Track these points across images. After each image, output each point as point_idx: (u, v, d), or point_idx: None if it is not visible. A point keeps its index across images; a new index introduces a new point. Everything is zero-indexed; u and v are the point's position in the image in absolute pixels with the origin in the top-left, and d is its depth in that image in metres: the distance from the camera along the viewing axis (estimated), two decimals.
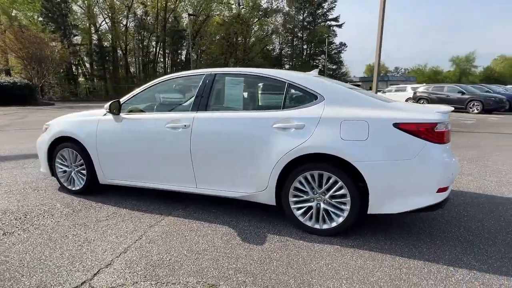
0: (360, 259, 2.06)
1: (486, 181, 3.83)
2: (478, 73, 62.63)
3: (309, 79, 2.49)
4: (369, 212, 2.23)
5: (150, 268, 1.95)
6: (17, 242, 2.28)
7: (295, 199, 2.42)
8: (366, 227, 2.49)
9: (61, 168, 3.33)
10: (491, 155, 5.32)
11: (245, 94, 2.74)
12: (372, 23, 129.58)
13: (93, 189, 3.30)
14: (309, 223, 2.40)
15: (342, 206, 2.29)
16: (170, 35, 34.12)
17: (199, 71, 2.88)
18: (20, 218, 2.69)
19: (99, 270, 1.93)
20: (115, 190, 3.39)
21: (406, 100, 16.30)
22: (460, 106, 14.40)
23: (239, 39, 40.14)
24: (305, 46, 48.36)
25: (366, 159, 2.13)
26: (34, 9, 27.27)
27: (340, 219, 2.30)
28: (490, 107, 13.93)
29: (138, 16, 33.31)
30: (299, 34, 46.92)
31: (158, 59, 37.17)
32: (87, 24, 32.03)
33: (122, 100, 2.98)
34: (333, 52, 46.42)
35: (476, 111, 14.12)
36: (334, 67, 47.05)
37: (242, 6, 38.81)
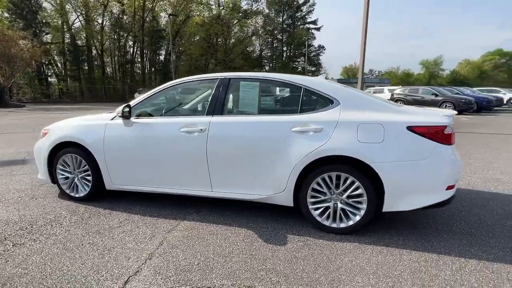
0: (379, 254, 2.19)
1: (473, 178, 4.14)
2: (445, 76, 66.74)
3: (324, 84, 2.60)
4: (384, 210, 2.37)
5: (181, 273, 1.95)
6: (32, 253, 2.18)
7: (312, 199, 2.51)
8: (378, 225, 2.63)
9: (63, 175, 3.20)
10: (472, 154, 5.74)
11: (260, 99, 2.79)
12: (348, 27, 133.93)
13: (98, 195, 3.21)
14: (326, 223, 2.50)
15: (359, 205, 2.41)
16: (148, 35, 33.30)
17: (212, 75, 2.90)
18: (26, 228, 2.57)
19: (128, 278, 1.90)
20: (120, 197, 3.31)
21: None
22: (434, 107, 15.30)
23: (219, 40, 39.95)
24: (284, 48, 49.07)
25: (382, 160, 2.27)
26: (1, 4, 25.57)
27: (357, 218, 2.42)
28: (461, 108, 14.91)
29: (115, 14, 32.18)
30: (278, 36, 47.56)
31: (136, 59, 36.13)
32: (59, 22, 30.46)
33: (132, 103, 2.93)
34: (312, 55, 47.49)
35: None
36: (313, 69, 48.12)
37: (222, 7, 38.67)
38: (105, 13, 31.71)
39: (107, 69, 35.25)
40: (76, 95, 30.06)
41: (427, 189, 2.31)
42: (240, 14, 40.36)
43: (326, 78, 3.09)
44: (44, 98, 27.40)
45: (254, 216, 2.84)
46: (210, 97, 2.77)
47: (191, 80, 2.98)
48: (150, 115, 3.00)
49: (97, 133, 2.98)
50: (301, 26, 47.66)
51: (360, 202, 2.41)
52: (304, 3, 45.66)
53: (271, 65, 49.44)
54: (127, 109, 2.82)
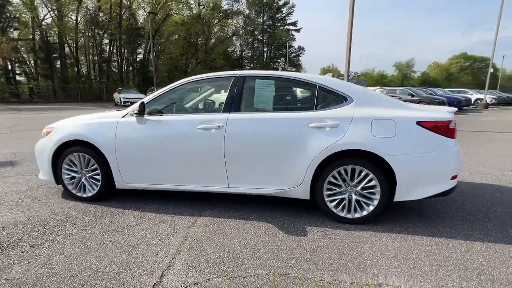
0: (395, 241, 2.35)
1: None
2: (416, 78, 70.27)
3: (338, 82, 2.74)
4: (395, 200, 2.55)
5: (214, 266, 2.00)
6: (53, 253, 2.13)
7: (328, 192, 2.64)
8: (387, 215, 2.81)
9: (69, 174, 3.11)
10: None
11: (275, 96, 2.87)
12: (325, 30, 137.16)
13: (106, 195, 3.15)
14: (342, 214, 2.63)
15: (372, 196, 2.57)
16: (126, 33, 32.26)
17: (226, 73, 2.95)
18: (38, 230, 2.49)
19: (163, 272, 1.92)
20: (128, 195, 3.27)
21: None
22: None
23: (199, 40, 39.53)
24: (265, 49, 49.44)
25: (394, 153, 2.44)
26: None
27: (371, 208, 2.57)
28: None
29: (90, 11, 30.85)
30: (259, 37, 47.85)
31: (113, 58, 34.85)
32: (29, 17, 28.71)
33: (145, 101, 2.91)
34: (292, 55, 48.21)
35: None
36: (293, 69, 48.84)
37: (202, 7, 38.27)
38: (80, 9, 30.31)
39: (82, 68, 33.71)
40: (48, 94, 28.44)
41: (434, 179, 2.51)
42: (221, 14, 40.17)
43: (332, 77, 3.23)
44: (13, 97, 25.71)
45: (269, 211, 2.92)
46: (226, 95, 2.81)
47: (205, 77, 3.01)
48: (160, 112, 2.99)
49: (108, 131, 2.92)
50: (281, 27, 48.26)
51: (373, 193, 2.56)
52: (284, 5, 46.30)
53: (251, 65, 49.61)
54: (141, 107, 2.80)
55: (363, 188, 2.58)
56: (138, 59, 36.63)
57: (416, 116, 2.49)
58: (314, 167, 2.56)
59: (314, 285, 1.80)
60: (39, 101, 25.78)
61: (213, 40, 41.63)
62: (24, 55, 29.90)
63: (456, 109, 2.75)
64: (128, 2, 32.70)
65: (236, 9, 41.91)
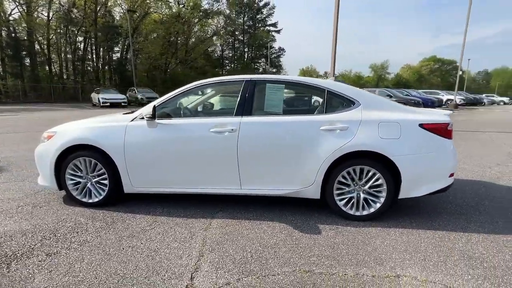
0: (402, 235, 2.53)
1: None
2: (390, 79, 73.42)
3: (345, 87, 2.88)
4: (399, 197, 2.73)
5: (241, 266, 2.06)
6: (73, 261, 2.09)
7: (338, 191, 2.78)
8: (389, 212, 2.99)
9: (73, 180, 3.03)
10: None
11: (285, 100, 2.97)
12: (303, 32, 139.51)
13: (112, 200, 3.09)
14: (351, 211, 2.78)
15: (379, 194, 2.74)
16: (103, 30, 31.07)
17: (237, 77, 3.00)
18: (50, 238, 2.42)
19: (192, 275, 1.95)
20: (135, 200, 3.24)
21: None
22: None
23: (179, 39, 38.88)
24: (246, 49, 49.53)
25: (400, 153, 2.61)
26: None
27: (378, 205, 2.74)
28: None
29: (63, 6, 29.38)
30: (240, 37, 47.88)
31: (87, 56, 33.41)
32: None
33: (156, 104, 2.89)
34: (273, 56, 48.67)
35: None
36: (274, 70, 49.34)
37: (182, 5, 37.66)
38: (52, 5, 28.78)
39: (55, 67, 32.02)
40: (18, 94, 26.73)
41: (435, 177, 2.72)
42: (201, 13, 39.74)
43: (335, 81, 3.38)
44: None
45: (278, 211, 3.01)
46: (238, 98, 2.87)
47: (215, 81, 3.04)
48: (169, 116, 2.99)
49: (117, 135, 2.88)
50: (261, 28, 48.58)
51: (380, 192, 2.73)
52: (264, 6, 46.66)
53: (232, 65, 49.55)
54: (153, 111, 2.79)
55: (370, 187, 2.73)
56: (115, 58, 35.36)
57: (418, 118, 2.68)
58: (326, 168, 2.69)
59: (340, 280, 1.91)
60: (8, 102, 24.24)
61: (193, 39, 41.11)
62: None
63: (451, 111, 2.99)
64: None
65: (216, 9, 41.70)
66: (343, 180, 2.75)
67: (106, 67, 35.92)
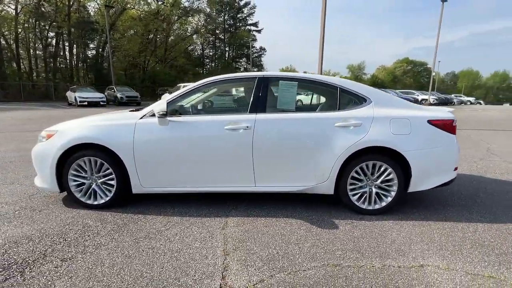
0: (415, 227, 2.63)
1: None
2: (367, 79, 76.03)
3: (356, 84, 2.95)
4: (409, 190, 2.84)
5: (270, 263, 2.05)
6: (93, 265, 1.98)
7: (351, 186, 2.84)
8: (397, 206, 3.10)
9: (77, 181, 2.87)
10: None
11: (298, 97, 2.98)
12: (281, 32, 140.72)
13: (118, 201, 2.96)
14: (363, 206, 2.85)
15: (390, 189, 2.83)
16: (77, 26, 29.60)
17: (250, 74, 2.98)
18: (60, 242, 2.27)
19: (223, 274, 1.92)
20: (140, 201, 3.13)
21: None
22: None
23: (158, 37, 37.91)
24: (227, 48, 49.22)
25: (410, 149, 2.72)
26: None
27: (389, 199, 2.83)
28: None
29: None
30: (220, 36, 47.48)
31: (60, 53, 31.70)
32: None
33: (167, 101, 2.80)
34: (254, 56, 48.75)
35: None
36: (255, 69, 49.42)
37: (161, 2, 36.71)
38: None
39: (24, 64, 30.08)
40: None
41: (441, 171, 2.85)
42: (181, 11, 38.95)
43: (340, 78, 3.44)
44: None
45: (292, 208, 3.03)
46: (252, 95, 2.85)
47: (227, 78, 3.00)
48: (178, 113, 2.91)
49: (126, 133, 2.76)
50: (242, 27, 48.47)
51: (391, 186, 2.82)
52: (245, 5, 46.58)
53: (213, 64, 49.08)
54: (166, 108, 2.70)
55: (382, 182, 2.82)
56: (90, 55, 33.83)
57: (426, 115, 2.80)
58: (340, 164, 2.74)
59: (369, 272, 1.96)
60: None
61: (172, 37, 40.21)
62: None
63: (453, 109, 3.15)
64: None
65: (196, 7, 41.02)
66: (356, 176, 2.82)
67: (81, 65, 34.32)
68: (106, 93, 21.41)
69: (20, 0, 26.96)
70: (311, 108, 2.99)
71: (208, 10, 43.25)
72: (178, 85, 15.10)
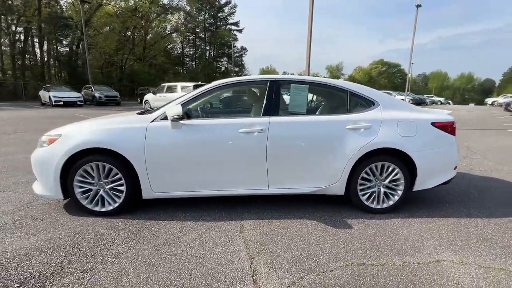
0: (423, 224, 2.77)
1: None
2: (344, 80, 78.21)
3: (364, 88, 3.04)
4: (414, 189, 2.98)
5: (296, 265, 2.08)
6: (117, 275, 1.92)
7: (361, 187, 2.93)
8: (401, 204, 3.24)
9: (83, 187, 2.74)
10: None
11: (309, 100, 3.03)
12: (261, 32, 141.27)
13: (127, 208, 2.87)
14: (372, 205, 2.96)
15: (397, 188, 2.95)
16: (49, 21, 27.99)
17: (261, 77, 2.99)
18: (75, 253, 2.17)
19: (253, 278, 1.92)
20: (145, 206, 3.05)
21: None
22: None
23: (136, 34, 36.77)
24: (207, 47, 48.66)
25: (416, 150, 2.85)
26: None
27: (396, 198, 2.96)
28: None
29: None
30: (201, 35, 46.87)
31: (29, 49, 29.83)
32: None
33: (181, 103, 2.74)
34: (235, 56, 48.57)
35: None
36: (236, 69, 49.29)
37: None
38: None
39: None
40: None
41: (443, 170, 3.02)
42: (158, 8, 37.97)
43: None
44: None
45: (303, 209, 3.07)
46: (265, 99, 2.86)
47: (238, 81, 2.99)
48: (189, 116, 2.87)
49: (136, 137, 2.68)
50: (223, 27, 48.14)
51: (397, 185, 2.95)
52: (225, 4, 46.28)
53: (194, 63, 48.37)
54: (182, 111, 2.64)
55: (390, 181, 2.94)
56: (64, 52, 32.13)
57: (430, 118, 2.95)
58: (351, 165, 2.82)
59: (392, 269, 2.04)
60: None
61: (150, 35, 39.12)
62: None
63: (451, 111, 3.34)
64: None
65: (176, 4, 40.19)
66: (366, 176, 2.92)
67: (52, 62, 32.52)
68: (83, 93, 20.44)
69: None
70: (308, 110, 3.04)
71: (188, 8, 42.57)
72: (162, 84, 14.74)
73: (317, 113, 3.01)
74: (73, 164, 2.69)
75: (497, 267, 2.09)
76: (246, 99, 3.41)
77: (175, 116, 2.60)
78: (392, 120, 2.87)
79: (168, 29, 41.05)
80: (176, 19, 40.76)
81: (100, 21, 32.33)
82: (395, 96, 28.39)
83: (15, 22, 27.57)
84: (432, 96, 48.01)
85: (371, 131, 2.82)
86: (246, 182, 2.85)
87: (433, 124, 2.93)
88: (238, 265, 2.06)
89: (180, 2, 40.25)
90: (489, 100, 37.72)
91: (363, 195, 2.95)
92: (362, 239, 2.47)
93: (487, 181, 4.18)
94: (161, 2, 37.52)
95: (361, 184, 2.93)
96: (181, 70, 46.05)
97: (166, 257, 2.15)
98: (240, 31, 49.06)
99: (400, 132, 2.85)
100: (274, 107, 2.85)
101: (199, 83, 14.08)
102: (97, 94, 19.81)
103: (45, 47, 30.61)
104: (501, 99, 32.87)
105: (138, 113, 3.02)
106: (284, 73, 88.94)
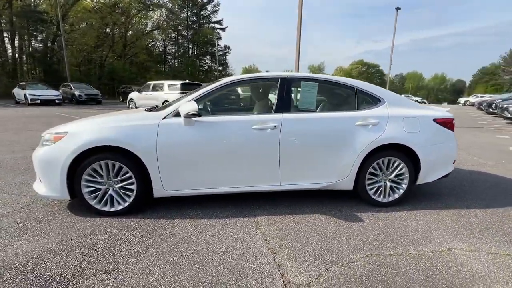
0: (427, 216, 2.90)
1: None
2: None
3: (371, 86, 3.14)
4: (417, 183, 3.12)
5: (319, 257, 2.12)
6: (142, 275, 1.88)
7: (369, 181, 3.03)
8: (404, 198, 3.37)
9: (91, 187, 2.65)
10: None
11: (319, 97, 3.08)
12: (243, 31, 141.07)
13: (137, 207, 2.80)
14: (379, 199, 3.06)
15: (402, 182, 3.07)
16: (22, 15, 26.48)
17: (272, 75, 3.00)
18: (92, 254, 2.10)
19: (280, 272, 1.95)
20: (155, 205, 2.99)
21: None
22: None
23: (115, 31, 35.59)
24: (190, 46, 47.95)
25: (420, 145, 2.99)
26: None
27: (401, 191, 3.08)
28: None
29: None
30: (183, 33, 46.09)
31: None
32: None
33: (194, 99, 2.70)
34: (219, 54, 48.18)
35: None
36: (220, 68, 48.93)
37: None
38: None
39: None
40: None
41: (444, 164, 3.18)
42: (141, 5, 36.97)
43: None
44: None
45: (311, 204, 3.13)
46: (276, 96, 2.88)
47: (249, 78, 2.99)
48: (199, 113, 2.83)
49: (148, 134, 2.62)
50: (206, 25, 47.59)
51: (402, 179, 3.07)
52: (208, 2, 45.74)
53: (176, 61, 47.51)
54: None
55: (395, 176, 3.05)
56: (38, 48, 30.51)
57: (432, 114, 3.10)
58: (360, 160, 2.91)
59: (410, 258, 2.13)
60: None
61: (131, 32, 38.00)
62: None
63: (448, 108, 3.51)
64: None
65: (157, 1, 39.26)
66: (373, 171, 3.01)
67: (25, 58, 30.80)
68: (61, 91, 19.51)
69: None
70: (317, 107, 3.11)
71: (170, 5, 41.72)
72: (147, 83, 14.37)
73: (326, 110, 3.07)
74: (80, 163, 2.59)
75: (503, 253, 2.24)
76: (246, 96, 3.42)
77: (190, 113, 2.57)
78: (398, 116, 2.99)
79: (149, 26, 40.09)
80: (158, 16, 39.88)
81: (76, 16, 31.03)
82: None
83: None
84: (409, 96, 49.97)
85: (379, 127, 2.92)
86: (259, 179, 2.86)
87: (435, 120, 3.07)
88: (262, 260, 2.07)
89: None
90: (462, 100, 39.82)
91: (371, 189, 3.05)
92: (375, 231, 2.55)
93: (476, 175, 4.43)
94: None
95: (369, 179, 3.03)
96: (163, 69, 45.07)
97: (188, 255, 2.12)
98: (223, 29, 48.71)
99: (405, 128, 2.97)
100: (286, 104, 2.88)
101: (187, 81, 13.86)
102: (76, 93, 18.99)
103: (16, 42, 28.96)
104: (472, 99, 34.81)
105: (146, 110, 2.95)
106: (267, 72, 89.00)
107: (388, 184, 3.07)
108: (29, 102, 16.62)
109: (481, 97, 32.82)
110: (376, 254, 2.18)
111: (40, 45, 30.73)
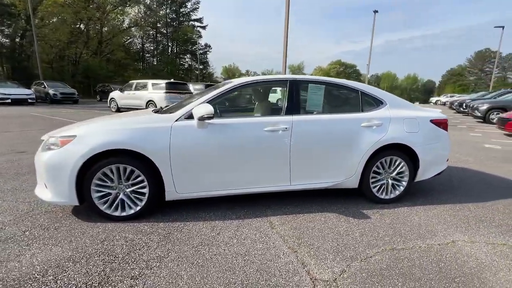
0: (427, 211, 3.09)
1: None
2: None
3: (374, 88, 3.28)
4: (415, 180, 3.31)
5: (338, 254, 2.21)
6: (172, 280, 1.87)
7: (373, 180, 3.18)
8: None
9: (101, 192, 2.58)
10: None
11: (325, 99, 3.18)
12: (224, 29, 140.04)
13: (149, 210, 2.76)
14: (382, 196, 3.22)
15: (402, 179, 3.25)
16: None
17: (281, 77, 3.06)
18: (114, 261, 2.06)
19: (306, 269, 2.01)
20: (166, 208, 2.97)
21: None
22: None
23: (90, 26, 34.09)
24: (169, 44, 46.92)
25: (419, 144, 3.17)
26: None
27: (401, 188, 3.26)
28: None
29: None
30: (162, 30, 45.01)
31: None
32: None
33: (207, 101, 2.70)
34: (199, 53, 47.54)
35: None
36: (201, 67, 48.31)
37: None
38: None
39: None
40: None
41: (439, 162, 3.40)
42: (117, 0, 35.65)
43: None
44: None
45: (319, 203, 3.23)
46: (286, 98, 2.95)
47: (259, 80, 3.03)
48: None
49: (161, 137, 2.59)
50: (186, 23, 46.77)
51: (403, 177, 3.25)
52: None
53: (155, 59, 46.32)
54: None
55: (396, 174, 3.22)
56: (5, 44, 28.56)
57: (429, 115, 3.30)
58: (366, 160, 3.05)
59: (421, 251, 2.28)
60: None
61: (106, 28, 36.55)
62: None
63: (440, 110, 3.75)
64: None
65: None
66: (376, 170, 3.16)
67: None
68: (33, 89, 18.40)
69: None
70: (323, 108, 3.21)
71: (148, 1, 40.59)
72: (130, 82, 13.92)
73: (332, 112, 3.18)
74: (90, 167, 2.51)
75: (500, 243, 2.45)
76: (246, 97, 3.47)
77: (205, 115, 2.56)
78: (399, 118, 3.15)
79: (126, 22, 38.75)
80: (135, 12, 38.63)
81: (47, 10, 29.35)
82: None
83: None
84: None
85: (382, 128, 3.07)
86: (271, 179, 2.91)
87: (431, 121, 3.28)
88: (286, 259, 2.13)
89: None
90: (433, 99, 42.09)
91: (374, 187, 3.20)
92: (383, 227, 2.69)
93: (462, 172, 4.75)
94: None
95: (372, 177, 3.17)
96: (141, 67, 43.81)
97: (212, 257, 2.14)
98: (203, 27, 48.12)
99: (406, 128, 3.14)
100: (295, 106, 2.95)
101: (172, 80, 13.58)
102: (51, 91, 18.00)
103: None
104: (443, 98, 36.91)
105: (154, 111, 2.91)
106: (247, 71, 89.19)
107: (390, 181, 3.23)
108: None
109: (451, 96, 34.89)
110: (390, 249, 2.31)
111: (7, 41, 28.79)
